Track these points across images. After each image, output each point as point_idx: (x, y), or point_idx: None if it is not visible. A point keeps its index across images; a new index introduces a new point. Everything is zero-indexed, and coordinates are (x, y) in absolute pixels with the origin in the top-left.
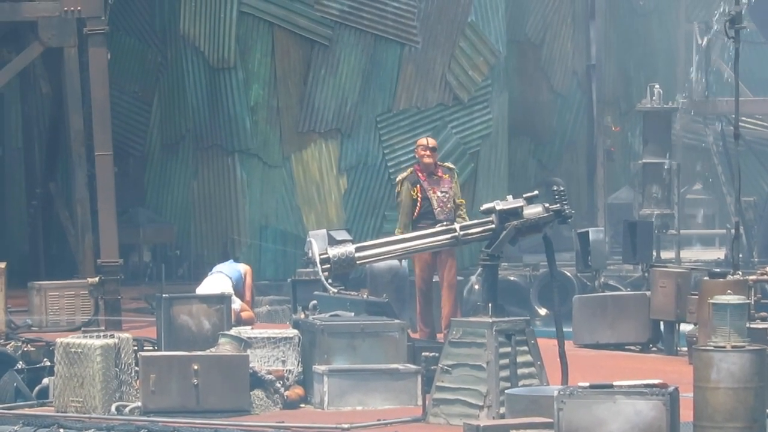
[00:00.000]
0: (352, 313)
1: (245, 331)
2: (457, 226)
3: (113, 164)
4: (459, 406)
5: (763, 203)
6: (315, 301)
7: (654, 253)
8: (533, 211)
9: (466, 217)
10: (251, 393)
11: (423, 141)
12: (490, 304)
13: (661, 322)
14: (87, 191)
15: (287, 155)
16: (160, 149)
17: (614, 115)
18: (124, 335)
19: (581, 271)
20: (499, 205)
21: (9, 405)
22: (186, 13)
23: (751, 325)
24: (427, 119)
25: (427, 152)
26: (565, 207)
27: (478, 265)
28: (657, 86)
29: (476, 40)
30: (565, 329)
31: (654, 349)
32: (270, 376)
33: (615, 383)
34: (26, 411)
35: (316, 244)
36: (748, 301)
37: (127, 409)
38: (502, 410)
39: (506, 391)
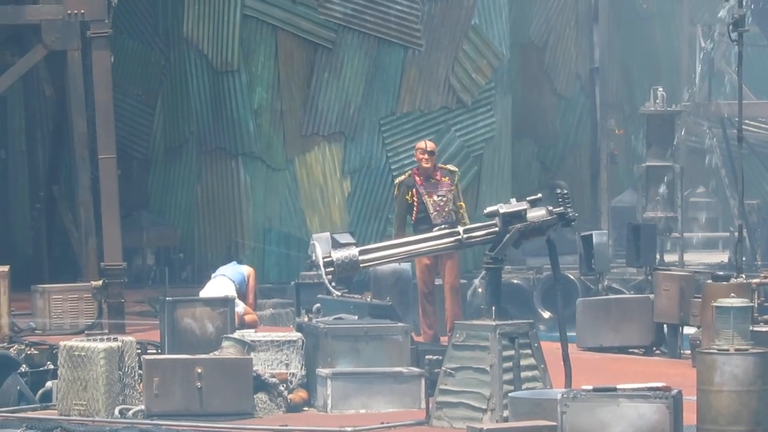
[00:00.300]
0: (356, 316)
1: (249, 334)
2: (460, 229)
3: (116, 167)
4: (462, 409)
5: (767, 206)
6: (318, 304)
7: (657, 257)
8: (537, 214)
9: (467, 220)
10: (255, 396)
11: (421, 144)
12: (493, 308)
13: (665, 325)
14: (90, 194)
15: (291, 158)
16: (163, 152)
17: (618, 118)
18: (128, 338)
19: (585, 275)
20: (503, 208)
21: (12, 408)
22: (189, 16)
23: (755, 328)
24: (431, 122)
25: (425, 156)
26: (569, 210)
27: (481, 268)
28: (660, 89)
29: (480, 43)
30: (568, 332)
31: (657, 352)
32: (273, 380)
33: (618, 386)
34: (29, 414)
35: (320, 248)
36: (751, 304)
37: (130, 413)
38: (506, 413)
39: (509, 395)
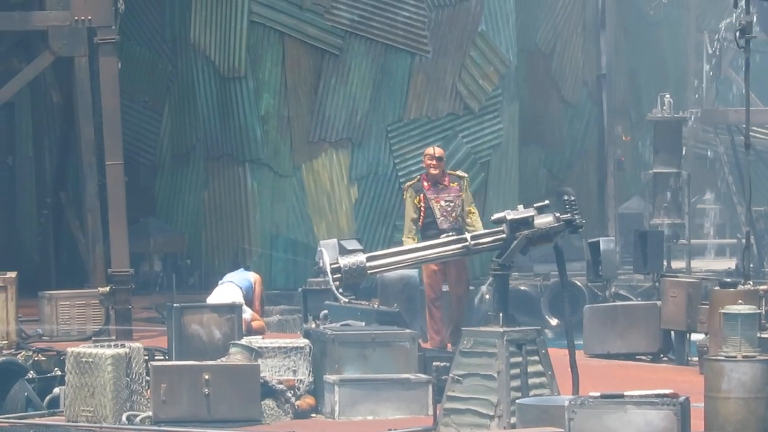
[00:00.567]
0: (363, 323)
1: (256, 341)
2: (468, 235)
3: (124, 173)
4: (470, 416)
5: None
6: (326, 311)
7: (665, 263)
8: (544, 220)
9: (479, 225)
10: (262, 403)
11: (430, 150)
12: (501, 314)
13: (672, 332)
14: (97, 200)
15: (298, 165)
16: (170, 159)
17: (625, 125)
18: (135, 345)
19: (592, 281)
20: (510, 215)
21: (20, 414)
22: (197, 23)
23: (762, 335)
24: (438, 129)
25: (433, 162)
26: (576, 217)
27: (488, 275)
28: (667, 96)
29: (487, 49)
30: (576, 339)
31: (665, 359)
32: (281, 386)
33: (626, 393)
34: (37, 421)
35: (327, 254)
36: (759, 310)
37: (137, 419)
38: (513, 420)
39: (517, 401)
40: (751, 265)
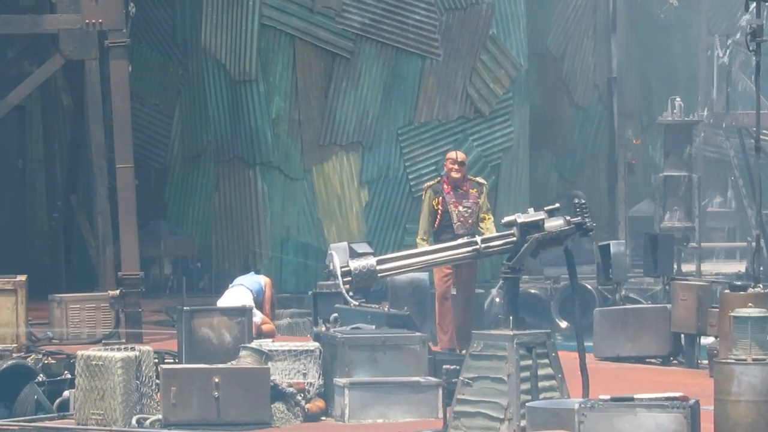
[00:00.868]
0: (373, 326)
1: (266, 344)
2: (478, 238)
3: (134, 177)
4: (480, 419)
5: None
6: (336, 314)
7: (675, 266)
8: (554, 224)
9: (491, 230)
10: (272, 406)
11: (452, 155)
12: (511, 317)
13: (682, 335)
14: (108, 204)
15: (308, 168)
16: (181, 162)
17: (635, 128)
18: (145, 348)
19: (602, 284)
20: (521, 218)
21: (30, 418)
22: (207, 26)
23: None
24: (449, 132)
25: (455, 166)
26: (587, 220)
27: (499, 278)
28: (678, 99)
29: (497, 53)
30: (586, 342)
31: (675, 362)
32: (291, 389)
33: (636, 396)
34: (47, 424)
35: (338, 257)
36: None
37: (147, 422)
38: (523, 423)
39: (527, 404)
40: (761, 268)
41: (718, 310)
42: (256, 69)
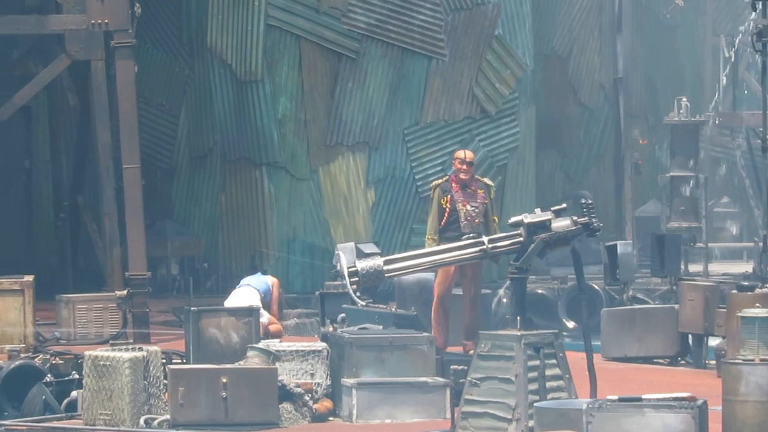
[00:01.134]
0: (381, 326)
1: (274, 344)
2: (485, 239)
3: (141, 177)
4: (487, 419)
5: None
6: (343, 314)
7: (682, 267)
8: (561, 224)
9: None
10: (280, 406)
11: (461, 154)
12: (518, 318)
13: (690, 336)
14: (115, 204)
15: (315, 168)
16: (187, 162)
17: (642, 128)
18: (153, 348)
19: (609, 285)
20: (528, 218)
21: (37, 418)
22: (213, 26)
23: None
24: (455, 132)
25: (464, 167)
26: (593, 220)
27: (506, 278)
28: (684, 99)
29: (503, 53)
30: (593, 342)
31: (682, 362)
32: (299, 389)
33: (643, 396)
34: (55, 424)
35: (344, 257)
36: None
37: (155, 422)
38: (531, 423)
39: (535, 405)
40: None
41: (725, 310)
42: (262, 69)
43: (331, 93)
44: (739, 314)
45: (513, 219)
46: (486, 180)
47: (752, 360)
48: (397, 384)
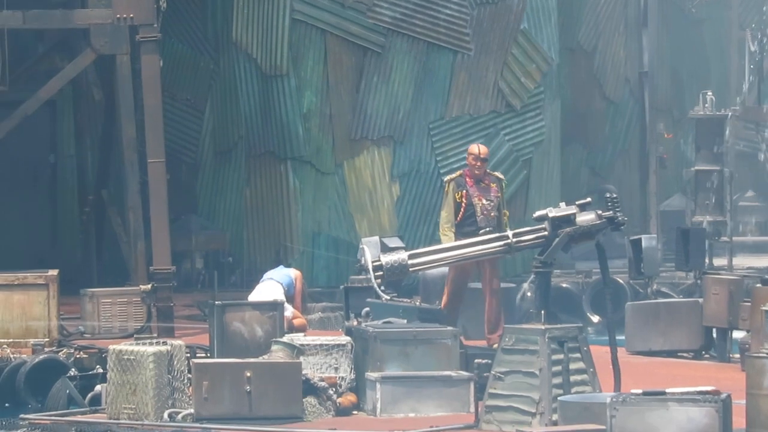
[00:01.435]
0: (405, 321)
1: (298, 338)
2: (509, 233)
3: (165, 171)
4: (511, 413)
5: None
6: (368, 308)
7: (706, 261)
8: (586, 218)
9: (507, 230)
10: (304, 400)
11: (474, 150)
12: (542, 312)
13: (714, 329)
14: (139, 198)
15: (340, 162)
16: (212, 156)
17: (667, 123)
18: (177, 342)
19: (634, 279)
20: (552, 212)
21: (62, 412)
22: (238, 21)
23: None
24: (480, 126)
25: (478, 163)
26: (618, 214)
27: (530, 272)
28: (710, 93)
29: (529, 47)
30: (617, 336)
31: (707, 356)
32: (323, 383)
33: (668, 390)
34: (79, 418)
35: (369, 251)
36: None
37: (179, 416)
38: (555, 417)
39: (559, 398)
40: None
41: (749, 304)
42: (288, 64)
43: (357, 87)
44: (764, 308)
45: (538, 213)
46: (497, 174)
47: None
48: (421, 378)
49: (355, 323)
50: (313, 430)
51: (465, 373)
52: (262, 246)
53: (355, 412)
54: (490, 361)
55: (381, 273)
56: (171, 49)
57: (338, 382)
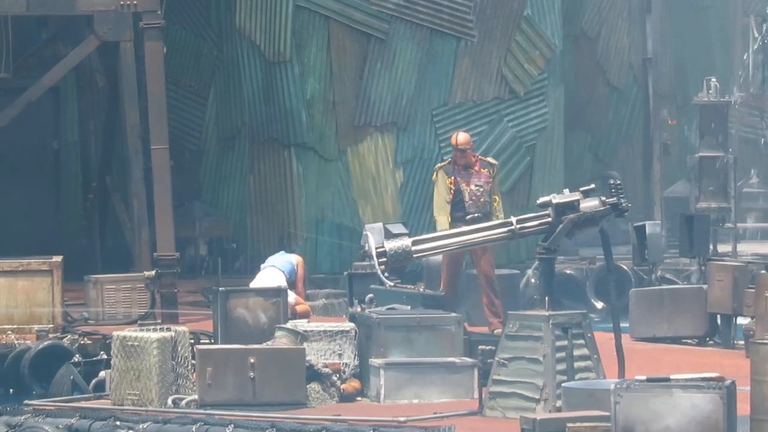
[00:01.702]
0: (409, 307)
1: (302, 325)
2: (513, 219)
3: (169, 158)
4: (515, 399)
5: None
6: (371, 295)
7: (711, 247)
8: (590, 204)
9: (501, 214)
10: (308, 386)
11: (453, 139)
12: (546, 298)
13: (718, 316)
14: (143, 185)
15: (343, 149)
16: (216, 143)
17: (671, 109)
18: (181, 328)
19: (638, 265)
20: (556, 199)
21: (66, 398)
22: (242, 7)
23: None
24: (483, 113)
25: (457, 153)
26: (622, 200)
27: (534, 259)
28: (713, 80)
29: (532, 33)
30: (621, 323)
31: (711, 342)
32: (326, 370)
33: (672, 377)
34: (83, 404)
35: (373, 238)
36: None
37: (183, 403)
38: (559, 403)
39: (563, 385)
40: None
41: (754, 290)
42: (291, 50)
43: (360, 74)
44: None
45: (541, 199)
46: (489, 159)
47: None
48: (424, 364)
49: (359, 309)
50: (317, 416)
51: (469, 360)
52: (265, 232)
53: (358, 398)
54: (494, 348)
55: (384, 259)
56: (174, 36)
57: (342, 368)
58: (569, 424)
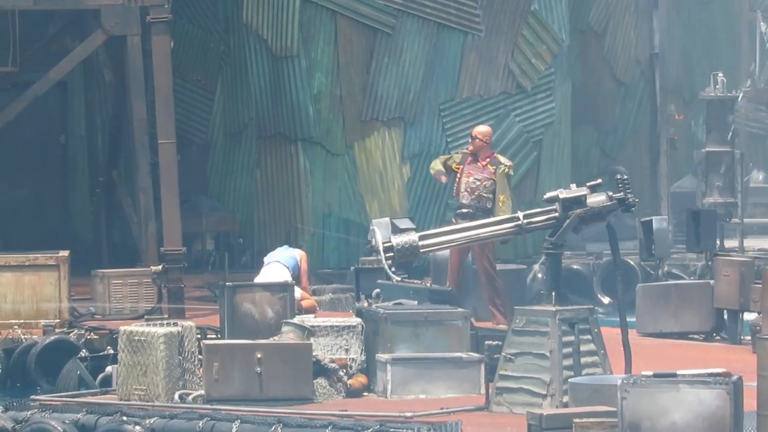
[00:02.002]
0: (416, 302)
1: (309, 320)
2: (520, 214)
3: (176, 152)
4: (522, 394)
5: None
6: (378, 290)
7: (717, 242)
8: (597, 199)
9: (503, 215)
10: (314, 381)
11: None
12: (553, 293)
13: (725, 311)
14: (150, 179)
15: (350, 143)
16: (222, 137)
17: (677, 104)
18: (188, 323)
19: (645, 260)
20: (563, 194)
21: (72, 393)
22: (249, 1)
23: None
24: (490, 107)
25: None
26: (629, 195)
27: (541, 254)
28: (720, 75)
29: (539, 28)
30: (628, 318)
31: (717, 338)
32: (333, 365)
33: (678, 372)
34: (89, 399)
35: (380, 233)
36: None
37: (190, 398)
38: (565, 399)
39: (569, 380)
40: None
41: (761, 285)
42: (298, 45)
43: (367, 68)
44: None
45: (548, 194)
46: (501, 158)
47: None
48: (431, 359)
49: (366, 304)
50: (324, 412)
51: (476, 355)
52: (272, 227)
53: (365, 393)
54: (500, 343)
55: (391, 254)
56: (181, 30)
57: (349, 363)
58: (576, 420)
